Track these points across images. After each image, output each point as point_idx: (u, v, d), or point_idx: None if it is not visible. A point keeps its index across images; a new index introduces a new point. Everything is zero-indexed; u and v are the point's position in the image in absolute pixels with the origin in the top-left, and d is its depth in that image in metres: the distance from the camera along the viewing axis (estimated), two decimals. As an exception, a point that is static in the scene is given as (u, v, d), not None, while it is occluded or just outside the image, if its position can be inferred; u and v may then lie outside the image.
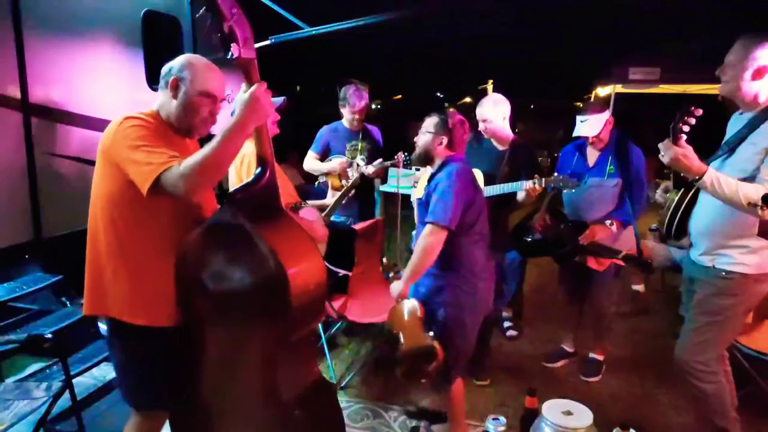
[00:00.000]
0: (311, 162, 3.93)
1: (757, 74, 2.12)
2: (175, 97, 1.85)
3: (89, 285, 1.89)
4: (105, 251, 1.83)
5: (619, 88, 9.09)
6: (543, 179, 3.01)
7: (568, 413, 1.41)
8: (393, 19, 4.91)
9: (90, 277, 1.88)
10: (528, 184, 3.04)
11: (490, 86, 15.63)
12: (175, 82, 1.84)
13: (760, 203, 1.77)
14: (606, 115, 3.20)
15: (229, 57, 1.69)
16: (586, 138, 3.23)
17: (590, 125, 3.17)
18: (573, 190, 3.16)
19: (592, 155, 3.29)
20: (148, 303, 1.85)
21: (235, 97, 1.87)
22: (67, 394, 2.35)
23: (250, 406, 1.86)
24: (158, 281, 1.83)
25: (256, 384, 1.83)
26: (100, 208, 1.83)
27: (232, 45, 1.67)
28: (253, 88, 1.71)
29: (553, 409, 1.43)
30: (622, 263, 3.23)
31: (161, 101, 1.90)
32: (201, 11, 1.66)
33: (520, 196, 3.16)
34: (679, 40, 7.84)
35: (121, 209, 1.80)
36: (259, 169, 1.82)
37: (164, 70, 1.90)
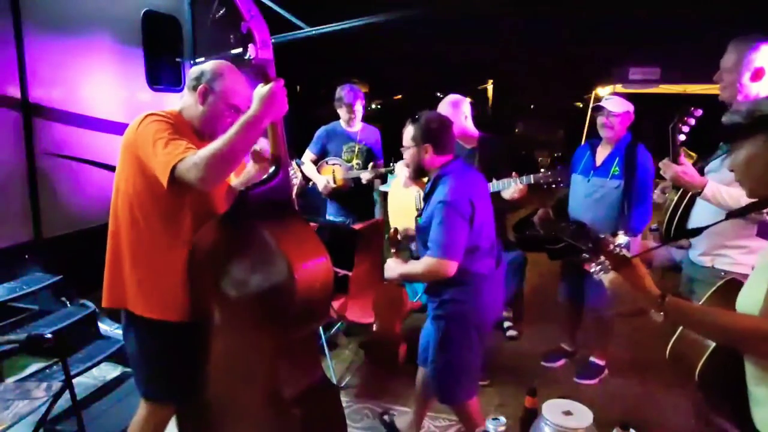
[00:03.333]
0: (306, 164, 3.93)
1: (756, 76, 2.13)
2: (202, 104, 1.89)
3: (108, 278, 1.93)
4: (126, 246, 1.87)
5: (619, 88, 9.10)
6: (531, 176, 2.93)
7: (568, 413, 1.41)
8: (393, 19, 4.91)
9: (110, 270, 1.92)
10: (511, 187, 2.97)
11: (490, 86, 15.63)
12: (204, 90, 1.87)
13: None
14: (630, 106, 3.19)
15: (246, 57, 1.72)
16: (602, 112, 3.18)
17: (614, 103, 3.17)
18: (579, 184, 3.19)
19: (602, 154, 3.26)
20: (163, 298, 1.88)
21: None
22: (67, 394, 2.35)
23: (253, 403, 1.87)
24: (176, 277, 1.87)
25: (259, 381, 1.85)
26: (122, 205, 1.86)
27: (249, 45, 1.70)
28: (272, 83, 1.73)
29: (553, 409, 1.42)
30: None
31: (186, 103, 1.93)
32: (220, 12, 1.68)
33: (506, 194, 3.09)
34: (679, 40, 7.85)
35: (145, 207, 1.83)
36: (272, 168, 1.86)
37: (194, 72, 1.92)
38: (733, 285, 1.49)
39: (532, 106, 18.77)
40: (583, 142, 3.62)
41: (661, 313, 1.36)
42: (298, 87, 12.67)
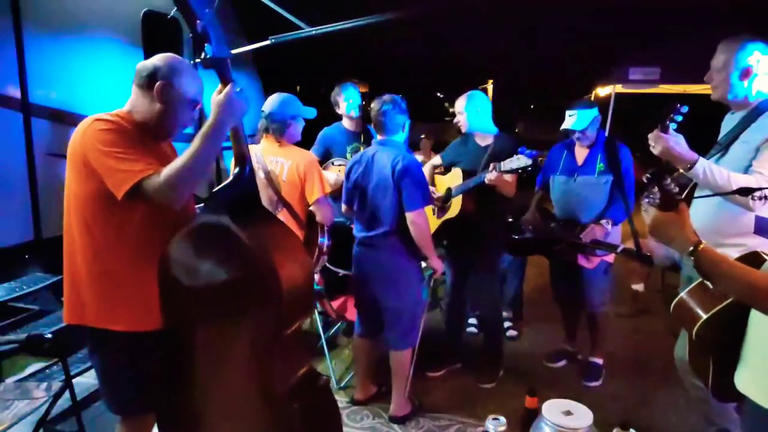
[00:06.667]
0: None
1: (744, 75, 2.14)
2: (161, 101, 1.77)
3: (68, 293, 1.84)
4: (81, 257, 1.79)
5: (619, 88, 9.08)
6: (500, 164, 2.95)
7: (568, 413, 1.41)
8: (393, 19, 4.91)
9: (68, 284, 1.84)
10: (487, 175, 3.00)
11: (490, 86, 15.64)
12: (162, 88, 1.76)
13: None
14: (594, 112, 3.23)
15: (202, 57, 1.68)
16: (574, 134, 3.25)
17: (578, 119, 3.20)
18: (564, 184, 3.24)
19: (581, 153, 3.31)
20: (127, 308, 1.80)
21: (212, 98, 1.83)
22: (67, 394, 2.35)
23: (245, 403, 1.86)
24: (137, 285, 1.79)
25: (249, 381, 1.83)
26: (74, 213, 1.78)
27: (205, 45, 1.66)
28: (227, 89, 1.70)
29: (553, 409, 1.42)
30: (610, 258, 3.27)
31: (138, 102, 1.80)
32: (173, 11, 1.65)
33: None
34: (679, 40, 7.85)
35: (95, 213, 1.74)
36: (237, 169, 1.82)
37: (145, 70, 1.78)
38: (757, 258, 1.51)
39: (532, 106, 18.77)
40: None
41: (692, 259, 1.37)
42: (298, 87, 12.67)
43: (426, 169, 3.53)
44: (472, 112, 3.26)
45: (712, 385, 1.60)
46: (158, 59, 1.81)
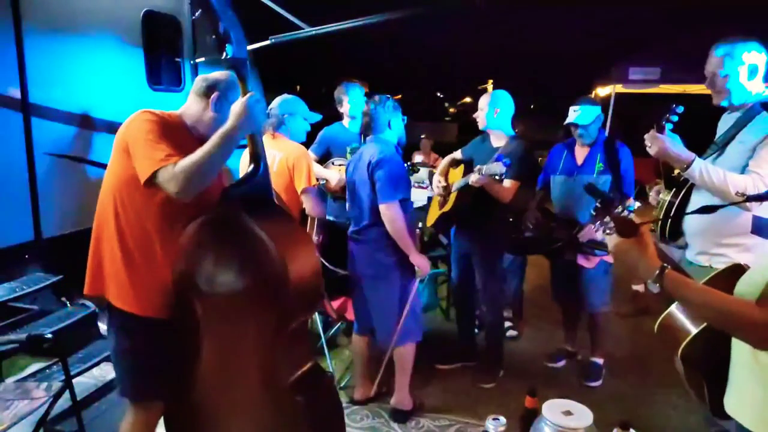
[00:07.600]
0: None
1: (748, 76, 2.14)
2: (213, 111, 1.93)
3: (90, 265, 1.94)
4: (105, 233, 1.89)
5: (619, 88, 9.09)
6: (484, 167, 2.98)
7: (568, 413, 1.41)
8: (393, 19, 4.91)
9: (91, 258, 1.94)
10: (471, 177, 3.04)
11: (490, 86, 15.67)
12: (218, 99, 1.92)
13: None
14: (597, 110, 3.25)
15: (223, 57, 1.75)
16: (576, 130, 3.26)
17: (582, 114, 3.22)
18: (563, 184, 3.26)
19: (581, 153, 3.32)
20: (140, 291, 1.88)
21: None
22: (67, 394, 2.35)
23: (250, 396, 1.88)
24: (152, 270, 1.87)
25: (254, 374, 1.86)
26: (107, 197, 1.88)
27: (226, 45, 1.73)
28: (245, 98, 1.77)
29: (553, 409, 1.42)
30: (611, 258, 3.26)
31: (192, 108, 1.96)
32: (197, 13, 1.71)
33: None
34: (679, 40, 7.85)
35: (124, 194, 1.84)
36: (252, 166, 1.89)
37: (207, 81, 1.95)
38: (738, 270, 1.49)
39: (532, 106, 18.79)
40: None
41: (657, 285, 1.33)
42: (298, 87, 12.69)
43: (444, 161, 3.63)
44: (491, 111, 3.29)
45: (711, 404, 1.54)
46: (221, 74, 1.99)
